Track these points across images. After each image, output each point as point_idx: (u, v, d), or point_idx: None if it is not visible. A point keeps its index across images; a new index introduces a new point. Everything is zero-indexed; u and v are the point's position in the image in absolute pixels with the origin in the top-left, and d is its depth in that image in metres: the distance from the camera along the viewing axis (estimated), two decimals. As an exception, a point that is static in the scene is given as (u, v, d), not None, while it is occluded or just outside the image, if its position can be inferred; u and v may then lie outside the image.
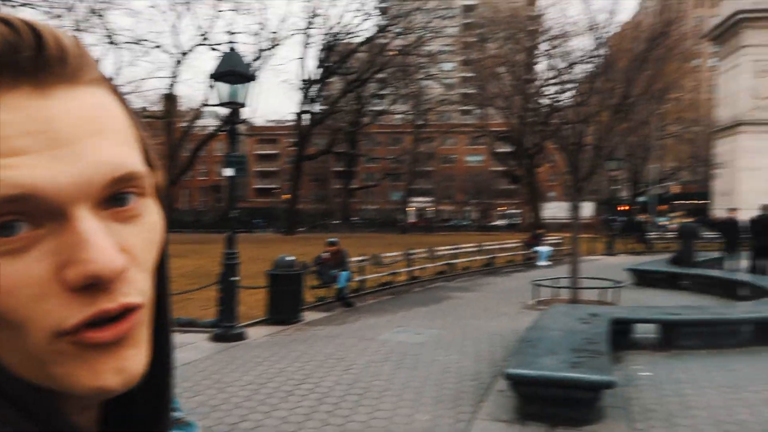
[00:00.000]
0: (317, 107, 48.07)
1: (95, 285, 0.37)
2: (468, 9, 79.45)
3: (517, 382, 5.29)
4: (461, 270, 16.59)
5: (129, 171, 0.39)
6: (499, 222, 60.96)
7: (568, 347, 5.97)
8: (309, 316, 10.16)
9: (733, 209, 16.39)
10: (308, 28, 41.05)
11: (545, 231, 24.58)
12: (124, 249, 0.39)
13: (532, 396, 5.30)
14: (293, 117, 45.35)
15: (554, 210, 51.71)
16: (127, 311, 0.39)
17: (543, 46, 31.70)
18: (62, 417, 0.40)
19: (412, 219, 58.64)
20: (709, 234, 24.06)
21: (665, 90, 28.71)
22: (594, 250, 23.91)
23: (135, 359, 0.40)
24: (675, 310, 8.50)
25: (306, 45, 41.84)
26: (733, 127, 39.39)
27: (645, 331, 8.20)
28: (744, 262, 15.05)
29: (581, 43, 21.51)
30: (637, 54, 12.48)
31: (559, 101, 25.19)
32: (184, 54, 41.34)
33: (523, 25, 36.48)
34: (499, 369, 6.64)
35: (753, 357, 7.34)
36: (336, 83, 55.97)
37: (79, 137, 0.37)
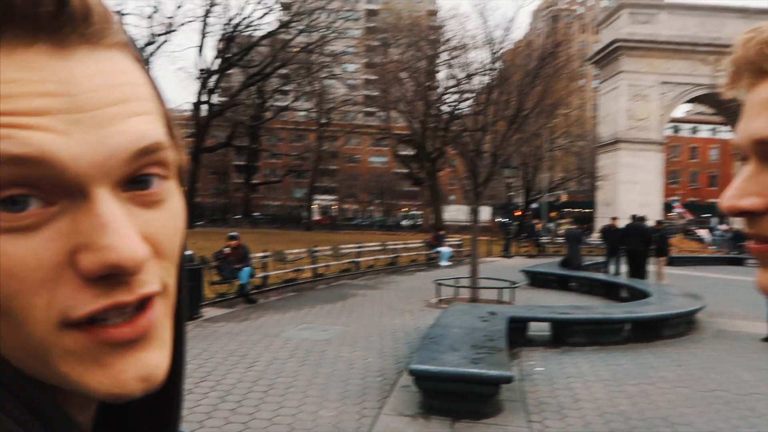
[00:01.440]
0: (216, 98, 46.41)
1: (113, 276, 0.33)
2: (371, 13, 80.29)
3: (421, 378, 5.39)
4: (365, 268, 16.68)
5: (153, 142, 0.35)
6: (402, 222, 62.07)
7: (468, 344, 6.17)
8: (209, 312, 9.78)
9: (614, 218, 17.73)
10: (206, 16, 39.46)
11: (446, 232, 25.33)
12: (146, 237, 0.35)
13: (435, 391, 5.42)
14: (190, 107, 43.44)
15: (454, 213, 53.47)
16: (145, 303, 0.35)
17: (443, 56, 32.74)
18: (64, 414, 0.36)
19: (316, 216, 58.19)
20: (593, 240, 25.94)
21: (554, 105, 30.63)
22: (491, 252, 24.99)
23: (157, 362, 0.36)
24: (565, 310, 9.06)
25: (204, 33, 40.16)
26: (613, 143, 42.82)
27: (539, 329, 8.67)
28: (624, 267, 16.36)
29: (479, 56, 22.48)
30: (529, 70, 13.16)
31: (458, 109, 26.12)
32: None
33: (424, 34, 37.38)
34: (403, 365, 6.73)
35: (632, 353, 7.97)
36: (236, 75, 54.35)
37: (100, 104, 0.33)
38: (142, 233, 0.34)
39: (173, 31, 38.31)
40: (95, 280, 0.32)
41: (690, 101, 46.65)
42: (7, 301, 0.31)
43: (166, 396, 0.43)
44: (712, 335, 9.40)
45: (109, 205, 0.33)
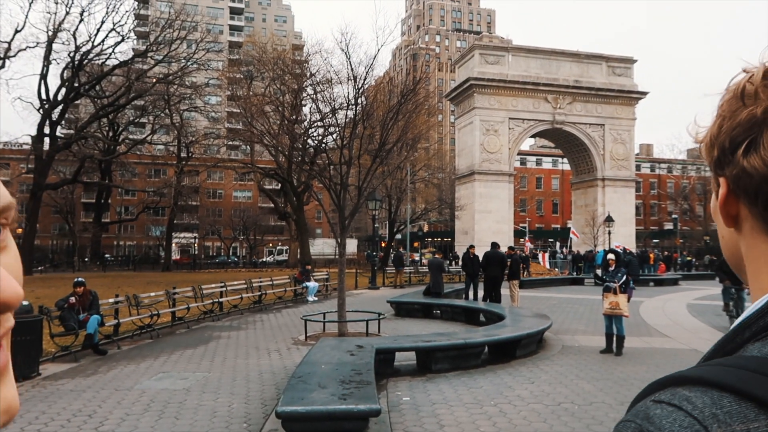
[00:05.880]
0: (61, 131, 42.67)
1: None
2: (234, 45, 79.31)
3: (288, 420, 5.25)
4: (230, 308, 16.02)
5: (9, 202, 0.36)
6: (268, 258, 60.74)
7: (337, 380, 6.14)
8: (50, 368, 8.79)
9: (472, 246, 18.81)
10: (51, 42, 36.39)
11: (313, 267, 25.21)
12: None
13: (304, 432, 5.31)
14: (30, 140, 39.48)
15: (321, 246, 53.48)
16: None
17: (308, 90, 33.09)
18: None
19: (175, 256, 55.04)
20: (454, 268, 27.24)
21: (416, 139, 32.11)
22: (358, 284, 25.23)
23: (15, 395, 0.34)
24: (429, 338, 9.36)
25: (48, 60, 36.95)
26: (470, 175, 45.75)
27: (405, 359, 8.87)
28: (481, 292, 17.34)
29: (343, 91, 23.05)
30: (391, 106, 13.74)
31: (324, 143, 26.42)
32: None
33: (289, 68, 37.61)
34: (270, 408, 6.51)
35: (491, 374, 8.42)
36: (86, 106, 50.60)
37: None
38: None
39: (11, 56, 34.87)
40: None
41: (534, 136, 51.32)
42: None
43: None
44: (559, 351, 10.24)
45: None
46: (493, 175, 44.86)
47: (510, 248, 18.54)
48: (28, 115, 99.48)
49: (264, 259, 59.59)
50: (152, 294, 13.09)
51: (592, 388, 7.56)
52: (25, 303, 8.46)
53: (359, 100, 13.21)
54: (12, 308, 0.35)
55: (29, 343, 8.16)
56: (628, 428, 0.49)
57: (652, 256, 37.81)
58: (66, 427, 5.98)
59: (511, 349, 9.41)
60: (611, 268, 10.02)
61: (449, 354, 8.72)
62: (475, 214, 44.08)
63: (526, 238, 46.03)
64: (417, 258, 45.03)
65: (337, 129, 14.66)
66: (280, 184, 42.90)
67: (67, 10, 36.02)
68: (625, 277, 9.79)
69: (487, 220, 43.31)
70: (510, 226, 44.51)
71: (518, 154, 53.92)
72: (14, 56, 35.49)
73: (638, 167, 60.97)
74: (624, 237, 41.86)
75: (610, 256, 10.65)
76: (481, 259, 16.99)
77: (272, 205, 50.34)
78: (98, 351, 9.94)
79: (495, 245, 16.79)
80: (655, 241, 63.35)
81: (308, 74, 35.09)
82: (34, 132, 37.79)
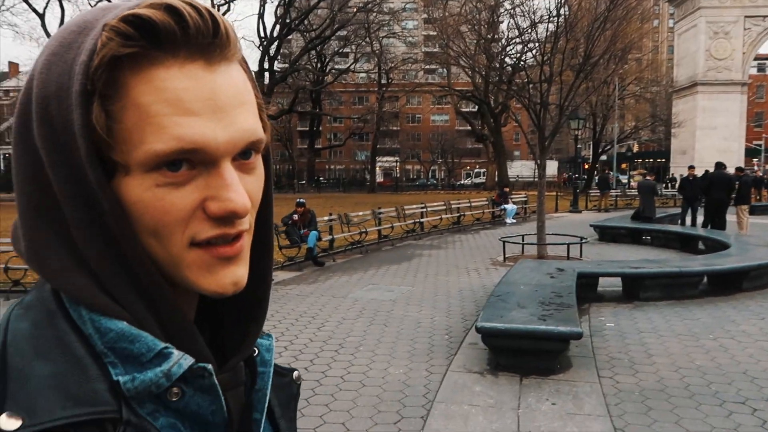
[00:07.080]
0: (277, 65, 46.81)
1: (227, 217, 0.51)
2: (431, -35, 78.01)
3: (488, 335, 5.41)
4: (430, 228, 16.70)
5: (259, 138, 0.53)
6: (465, 181, 61.45)
7: (536, 301, 6.12)
8: (280, 275, 10.14)
9: (692, 167, 16.87)
10: (266, -19, 39.51)
11: (511, 189, 24.89)
12: (246, 194, 0.53)
13: (503, 348, 5.45)
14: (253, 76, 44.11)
15: (519, 168, 52.40)
16: (239, 235, 0.53)
17: (506, 5, 31.46)
18: (178, 309, 0.53)
19: (379, 179, 58.45)
20: (668, 191, 24.80)
21: (626, 50, 28.92)
22: (559, 208, 24.40)
23: (243, 274, 0.54)
24: (637, 264, 8.78)
25: (264, 0, 40.34)
26: (691, 87, 40.22)
27: (609, 284, 8.48)
28: (701, 218, 15.62)
29: (543, 2, 21.48)
30: (597, 14, 12.46)
31: (522, 61, 25.18)
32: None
33: (485, -18, 35.95)
34: (470, 323, 6.78)
35: (710, 307, 7.68)
36: (296, 41, 54.52)
37: (231, 107, 0.51)
38: (245, 191, 0.52)
39: (234, 0, 38.77)
40: (215, 219, 0.51)
41: (778, 36, 42.98)
42: (161, 228, 0.50)
43: (253, 301, 0.61)
44: (800, 287, 8.90)
45: (231, 172, 0.51)
46: (720, 85, 38.95)
47: (738, 169, 16.21)
48: (249, 53, 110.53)
49: (461, 182, 60.35)
50: (360, 213, 14.14)
51: (841, 330, 6.50)
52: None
53: (561, 11, 12.23)
54: (240, 216, 0.51)
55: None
56: None
57: None
58: (295, 325, 6.92)
59: (737, 281, 8.42)
60: None
61: (660, 282, 8.11)
62: (696, 131, 39.05)
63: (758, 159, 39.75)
64: (624, 180, 41.72)
65: (537, 44, 13.84)
66: (476, 107, 42.38)
67: (277, -52, 38.58)
68: None
69: (710, 138, 38.16)
70: (740, 144, 38.73)
71: (755, 59, 45.81)
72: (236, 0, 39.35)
73: None
74: None
75: None
76: (702, 181, 15.21)
77: (469, 127, 50.13)
78: (317, 263, 11.17)
79: (720, 165, 14.84)
80: None
81: (506, -13, 33.29)
82: (255, 68, 42.04)
